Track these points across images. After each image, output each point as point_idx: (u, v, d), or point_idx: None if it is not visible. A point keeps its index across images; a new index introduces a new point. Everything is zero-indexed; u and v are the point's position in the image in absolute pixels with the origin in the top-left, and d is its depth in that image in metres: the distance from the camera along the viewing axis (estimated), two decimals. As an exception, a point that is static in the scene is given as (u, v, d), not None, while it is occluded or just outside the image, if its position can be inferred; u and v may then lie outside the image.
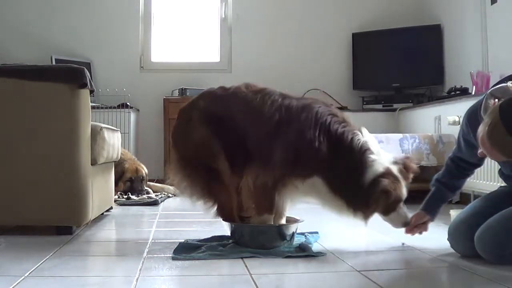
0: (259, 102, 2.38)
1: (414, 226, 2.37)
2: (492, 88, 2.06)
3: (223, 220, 2.51)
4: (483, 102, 2.04)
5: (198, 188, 2.50)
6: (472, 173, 2.40)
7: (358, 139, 2.26)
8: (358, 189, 2.21)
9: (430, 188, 2.44)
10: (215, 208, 2.50)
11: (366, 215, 2.26)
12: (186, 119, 2.53)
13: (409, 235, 2.39)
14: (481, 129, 1.91)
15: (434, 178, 2.43)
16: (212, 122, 2.43)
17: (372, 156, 2.23)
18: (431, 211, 2.39)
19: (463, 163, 2.33)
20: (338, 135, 2.26)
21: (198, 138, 2.45)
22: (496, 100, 1.97)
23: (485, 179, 3.46)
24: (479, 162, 2.34)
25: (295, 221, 2.51)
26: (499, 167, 2.32)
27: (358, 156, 2.23)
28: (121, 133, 3.61)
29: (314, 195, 2.37)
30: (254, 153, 2.37)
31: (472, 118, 2.15)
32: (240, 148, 2.39)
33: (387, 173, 2.22)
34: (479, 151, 2.00)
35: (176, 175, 2.55)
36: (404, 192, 2.26)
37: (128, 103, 5.09)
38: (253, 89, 2.46)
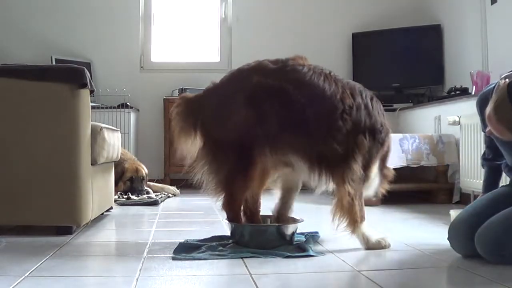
0: (330, 85, 2.40)
1: None
2: (506, 74, 2.13)
3: (226, 214, 2.39)
4: (496, 85, 2.09)
5: (219, 177, 2.32)
6: None
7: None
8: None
9: (482, 167, 2.48)
10: (223, 197, 2.35)
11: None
12: (227, 97, 2.35)
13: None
14: (489, 106, 1.96)
15: (481, 158, 2.48)
16: (262, 101, 2.30)
17: None
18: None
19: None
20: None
21: (242, 119, 2.29)
22: (507, 80, 2.00)
23: (485, 179, 3.45)
24: None
25: (295, 221, 2.51)
26: (504, 160, 2.32)
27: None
28: (121, 133, 3.61)
29: None
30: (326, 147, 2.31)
31: (483, 104, 2.16)
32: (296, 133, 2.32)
33: None
34: (487, 129, 2.02)
35: (202, 157, 2.35)
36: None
37: (128, 103, 5.09)
38: (307, 63, 2.47)
